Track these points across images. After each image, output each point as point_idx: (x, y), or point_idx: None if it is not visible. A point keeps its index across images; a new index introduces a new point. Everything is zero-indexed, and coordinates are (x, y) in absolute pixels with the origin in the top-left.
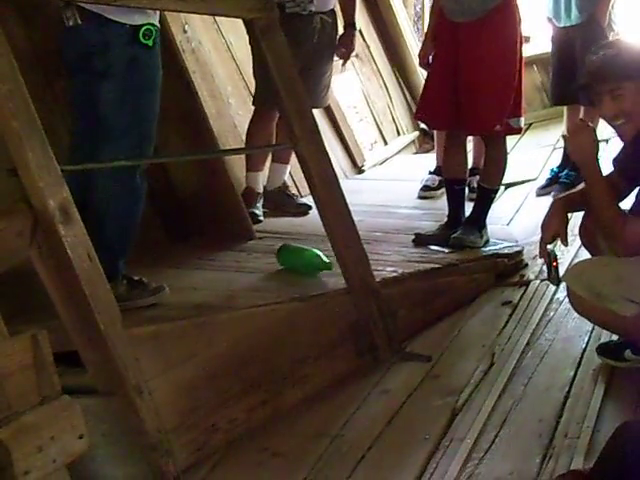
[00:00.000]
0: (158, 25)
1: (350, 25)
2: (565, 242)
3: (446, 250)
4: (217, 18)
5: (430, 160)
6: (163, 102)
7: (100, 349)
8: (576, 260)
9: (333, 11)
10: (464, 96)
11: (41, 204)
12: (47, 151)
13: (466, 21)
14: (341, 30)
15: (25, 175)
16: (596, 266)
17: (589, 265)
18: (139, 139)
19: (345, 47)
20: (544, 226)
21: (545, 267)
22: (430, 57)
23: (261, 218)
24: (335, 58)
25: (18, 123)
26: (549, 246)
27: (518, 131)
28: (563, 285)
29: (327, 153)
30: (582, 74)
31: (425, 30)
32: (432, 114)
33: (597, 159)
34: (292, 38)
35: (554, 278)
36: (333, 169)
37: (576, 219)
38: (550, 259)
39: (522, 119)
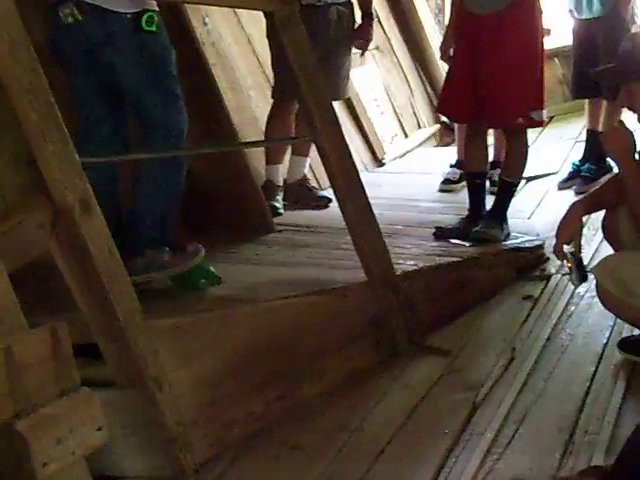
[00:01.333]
0: (157, 9)
1: (367, 15)
2: (578, 248)
3: (467, 244)
4: (237, 11)
5: (451, 153)
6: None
7: (119, 341)
8: (597, 255)
9: (349, 1)
10: (486, 89)
11: (61, 196)
12: (67, 143)
13: (487, 14)
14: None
15: (45, 167)
16: (629, 262)
17: (621, 261)
18: (173, 107)
19: (362, 37)
20: (559, 230)
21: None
22: (451, 50)
23: (281, 211)
24: (354, 50)
25: (38, 115)
26: (565, 247)
27: (540, 124)
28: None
29: (347, 145)
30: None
31: (446, 23)
32: (453, 107)
33: (633, 156)
34: (308, 30)
35: (575, 279)
36: (353, 161)
37: (598, 213)
38: (568, 259)
39: (544, 112)
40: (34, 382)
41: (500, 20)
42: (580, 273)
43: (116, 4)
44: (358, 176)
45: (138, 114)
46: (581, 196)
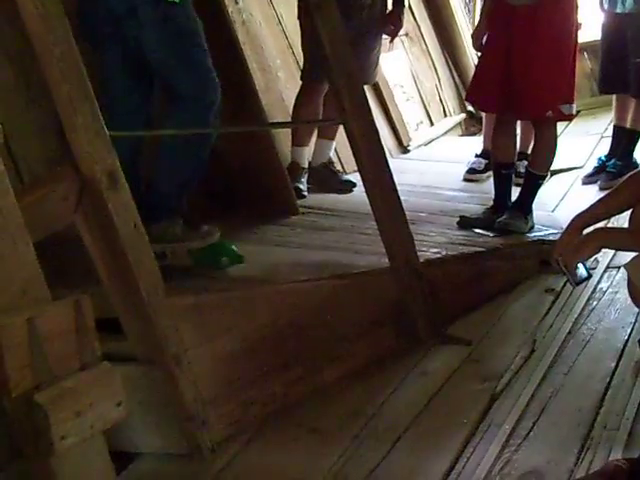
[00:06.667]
0: None
1: (398, 2)
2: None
3: (491, 234)
4: None
5: (476, 143)
6: None
7: (141, 317)
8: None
9: None
10: (517, 80)
11: (88, 169)
12: (97, 116)
13: (522, 5)
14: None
15: (73, 139)
16: None
17: None
18: (202, 77)
19: (393, 24)
20: (556, 243)
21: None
22: (483, 39)
23: (305, 193)
24: (383, 36)
25: (69, 86)
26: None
27: (569, 118)
28: (607, 275)
29: (376, 130)
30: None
31: (476, 11)
32: (483, 96)
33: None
34: (341, 13)
35: (571, 281)
36: (382, 146)
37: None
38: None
39: (574, 106)
40: (55, 355)
41: (535, 11)
42: (574, 279)
43: None
44: (386, 161)
45: (166, 87)
46: (583, 211)
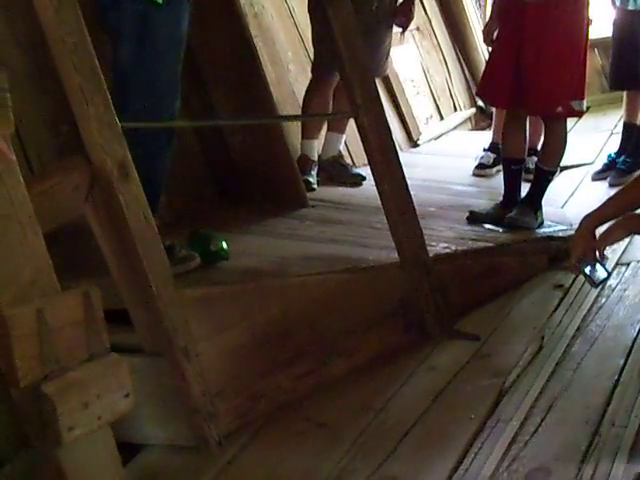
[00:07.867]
0: None
1: None
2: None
3: (500, 230)
4: None
5: (486, 138)
6: (223, 64)
7: (150, 309)
8: (630, 247)
9: None
10: (527, 76)
11: (99, 160)
12: (108, 107)
13: (534, 0)
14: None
15: (85, 130)
16: None
17: None
18: (157, 98)
19: (404, 16)
20: (571, 247)
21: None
22: (494, 34)
23: (315, 186)
24: (395, 29)
25: (81, 77)
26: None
27: (579, 114)
28: (616, 272)
29: (388, 124)
30: None
31: (487, 6)
32: (494, 91)
33: None
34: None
35: (591, 282)
36: (392, 139)
37: None
38: (583, 272)
39: (584, 102)
40: (64, 345)
41: (547, 7)
42: (594, 280)
43: None
44: (397, 155)
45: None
46: (592, 210)
